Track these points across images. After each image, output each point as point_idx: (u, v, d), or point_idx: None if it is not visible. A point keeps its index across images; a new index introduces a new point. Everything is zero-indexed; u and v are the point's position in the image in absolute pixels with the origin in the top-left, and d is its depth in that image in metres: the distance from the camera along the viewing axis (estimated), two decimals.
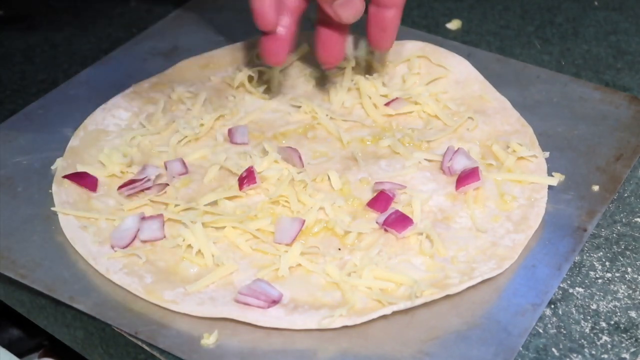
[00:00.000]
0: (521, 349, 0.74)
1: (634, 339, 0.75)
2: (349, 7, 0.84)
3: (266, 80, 1.01)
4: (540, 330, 0.76)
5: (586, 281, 0.80)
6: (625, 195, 0.89)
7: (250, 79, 1.01)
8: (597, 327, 0.76)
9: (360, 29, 1.11)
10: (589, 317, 0.77)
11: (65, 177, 0.87)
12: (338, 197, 0.86)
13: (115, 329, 0.76)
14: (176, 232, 0.82)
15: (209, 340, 0.73)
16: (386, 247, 0.81)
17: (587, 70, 1.06)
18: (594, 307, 0.78)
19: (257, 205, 0.85)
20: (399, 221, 0.82)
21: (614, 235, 0.84)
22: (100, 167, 0.89)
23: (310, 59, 1.05)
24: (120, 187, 0.86)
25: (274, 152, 0.88)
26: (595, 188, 0.88)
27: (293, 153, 0.88)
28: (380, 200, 0.84)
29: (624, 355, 0.74)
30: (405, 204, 0.85)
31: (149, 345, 0.74)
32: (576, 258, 0.82)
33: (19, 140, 0.94)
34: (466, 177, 0.86)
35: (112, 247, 0.81)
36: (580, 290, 0.79)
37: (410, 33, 1.10)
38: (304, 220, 0.82)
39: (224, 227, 0.82)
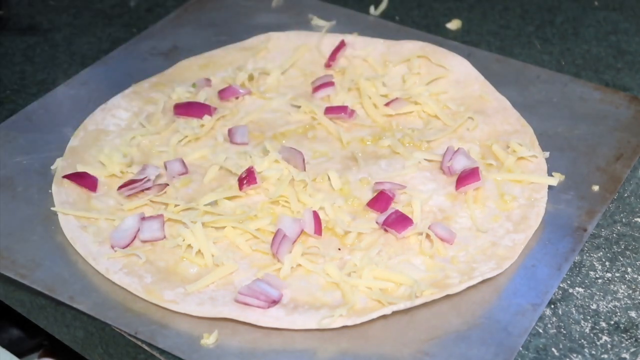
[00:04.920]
0: (521, 349, 0.74)
1: (634, 339, 0.75)
2: None
3: (266, 80, 1.01)
4: (540, 330, 0.76)
5: (586, 281, 0.80)
6: (625, 195, 0.89)
7: (250, 78, 1.01)
8: (597, 327, 0.76)
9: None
10: (589, 317, 0.77)
11: (65, 177, 0.87)
12: (338, 197, 0.86)
13: (115, 329, 0.76)
14: (176, 232, 0.82)
15: (209, 340, 0.73)
16: (386, 247, 0.81)
17: (587, 70, 1.06)
18: (594, 307, 0.78)
19: (257, 205, 0.85)
20: (399, 221, 0.82)
21: (614, 235, 0.84)
22: (100, 167, 0.89)
23: (310, 59, 1.05)
24: (120, 187, 0.86)
25: (275, 152, 0.88)
26: (595, 188, 0.88)
27: (297, 155, 0.88)
28: (380, 200, 0.84)
29: (624, 355, 0.74)
30: (405, 204, 0.85)
31: (149, 345, 0.74)
32: (576, 258, 0.82)
33: (19, 140, 0.94)
34: (466, 177, 0.86)
35: (112, 247, 0.81)
36: (580, 290, 0.79)
37: (410, 33, 1.10)
38: None
39: (224, 227, 0.82)
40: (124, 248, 0.81)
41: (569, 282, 0.80)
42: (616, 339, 0.75)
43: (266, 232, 0.82)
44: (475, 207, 0.85)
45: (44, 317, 0.84)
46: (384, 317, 0.75)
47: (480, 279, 0.78)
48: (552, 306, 0.78)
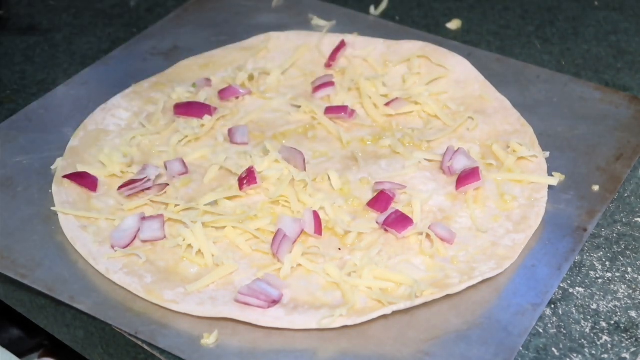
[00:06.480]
0: (521, 348, 0.74)
1: (634, 338, 0.75)
2: None
3: (266, 80, 1.01)
4: (541, 330, 0.76)
5: (586, 281, 0.80)
6: (626, 195, 0.89)
7: (250, 78, 1.01)
8: (597, 327, 0.76)
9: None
10: (589, 317, 0.77)
11: (65, 177, 0.87)
12: (338, 197, 0.86)
13: (115, 329, 0.76)
14: (176, 232, 0.82)
15: (209, 340, 0.73)
16: (386, 247, 0.81)
17: (587, 70, 1.06)
18: (594, 307, 0.78)
19: (257, 205, 0.85)
20: (399, 221, 0.82)
21: (614, 235, 0.84)
22: (101, 167, 0.89)
23: (310, 59, 1.05)
24: (121, 187, 0.86)
25: (276, 152, 0.88)
26: (595, 188, 0.88)
27: (297, 155, 0.88)
28: (381, 200, 0.84)
29: (624, 355, 0.74)
30: (405, 204, 0.85)
31: (149, 345, 0.74)
32: (576, 258, 0.82)
33: (19, 140, 0.94)
34: (466, 177, 0.86)
35: (112, 247, 0.81)
36: (581, 290, 0.79)
37: (410, 33, 1.10)
38: None
39: (224, 227, 0.82)
40: (124, 248, 0.81)
41: (569, 282, 0.80)
42: (616, 338, 0.75)
43: (266, 232, 0.82)
44: (476, 207, 0.85)
45: (44, 317, 0.84)
46: (384, 317, 0.75)
47: (480, 279, 0.78)
48: (552, 306, 0.78)
